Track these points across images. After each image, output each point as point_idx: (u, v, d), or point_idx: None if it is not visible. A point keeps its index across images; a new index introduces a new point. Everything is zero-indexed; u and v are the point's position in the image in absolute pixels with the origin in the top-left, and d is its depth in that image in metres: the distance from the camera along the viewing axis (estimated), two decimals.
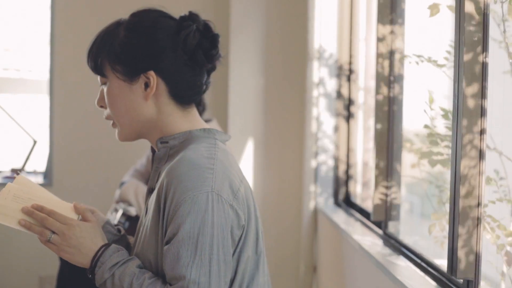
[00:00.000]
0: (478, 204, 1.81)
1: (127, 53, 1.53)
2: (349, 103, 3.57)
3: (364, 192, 3.36)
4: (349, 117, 3.57)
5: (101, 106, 1.60)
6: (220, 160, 1.50)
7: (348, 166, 3.60)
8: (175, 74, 1.54)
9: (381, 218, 2.70)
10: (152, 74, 1.53)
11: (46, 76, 4.30)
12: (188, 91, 1.57)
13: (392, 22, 2.65)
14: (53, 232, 1.52)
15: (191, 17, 1.56)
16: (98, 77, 1.59)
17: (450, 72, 2.12)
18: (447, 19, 2.22)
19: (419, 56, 2.32)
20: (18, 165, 4.27)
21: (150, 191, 1.61)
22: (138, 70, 1.53)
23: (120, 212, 2.97)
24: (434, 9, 2.08)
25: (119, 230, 1.72)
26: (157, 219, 1.49)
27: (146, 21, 1.56)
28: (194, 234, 1.41)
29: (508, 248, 1.92)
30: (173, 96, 1.56)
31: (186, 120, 1.58)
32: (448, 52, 2.15)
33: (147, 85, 1.54)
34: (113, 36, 1.55)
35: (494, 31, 1.93)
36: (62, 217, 1.53)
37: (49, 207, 1.55)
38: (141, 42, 1.53)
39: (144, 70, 1.53)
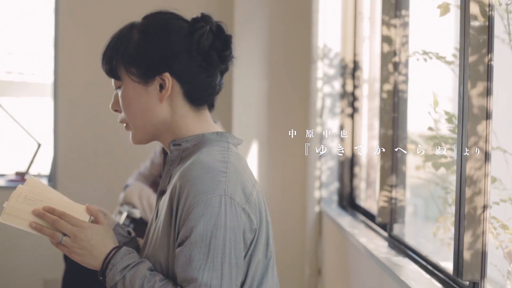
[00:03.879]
0: (484, 206, 1.80)
1: (142, 56, 1.54)
2: (353, 101, 3.56)
3: (369, 193, 3.36)
4: (353, 116, 3.56)
5: (116, 110, 1.61)
6: (233, 164, 1.50)
7: (353, 168, 3.59)
8: (189, 75, 1.55)
9: (386, 221, 2.70)
10: (167, 76, 1.53)
11: (49, 79, 4.30)
12: (202, 92, 1.58)
13: (397, 20, 2.64)
14: (64, 234, 1.52)
15: (204, 19, 1.57)
16: (112, 81, 1.60)
17: (457, 70, 2.11)
18: (453, 17, 2.21)
19: (427, 53, 2.31)
20: (22, 169, 4.28)
21: (161, 193, 1.62)
22: (153, 72, 1.54)
23: (124, 215, 2.98)
24: (444, 9, 2.07)
25: (129, 233, 1.72)
26: (169, 222, 1.49)
27: (160, 24, 1.56)
28: (206, 237, 1.41)
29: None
30: (188, 98, 1.56)
31: (199, 123, 1.59)
32: (456, 49, 2.14)
33: (162, 87, 1.54)
34: (127, 39, 1.55)
35: (500, 31, 1.92)
36: (74, 219, 1.53)
37: (61, 208, 1.55)
38: (155, 45, 1.54)
39: (159, 72, 1.54)
